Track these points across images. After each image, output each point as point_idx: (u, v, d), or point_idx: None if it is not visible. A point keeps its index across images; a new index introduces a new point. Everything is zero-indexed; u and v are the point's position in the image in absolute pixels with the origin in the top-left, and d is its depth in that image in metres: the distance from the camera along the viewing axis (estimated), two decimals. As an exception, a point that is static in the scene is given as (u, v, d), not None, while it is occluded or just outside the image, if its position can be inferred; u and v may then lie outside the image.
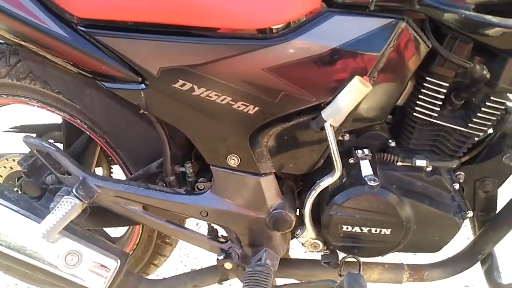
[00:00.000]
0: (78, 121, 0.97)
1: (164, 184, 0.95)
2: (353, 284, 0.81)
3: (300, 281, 0.95)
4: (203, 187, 0.91)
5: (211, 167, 0.88)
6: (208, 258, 1.54)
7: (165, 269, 1.48)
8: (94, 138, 1.00)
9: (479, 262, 0.97)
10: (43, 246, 0.85)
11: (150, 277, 1.33)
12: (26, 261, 0.86)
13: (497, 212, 0.95)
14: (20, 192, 1.04)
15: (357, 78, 0.70)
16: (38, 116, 1.16)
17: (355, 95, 0.72)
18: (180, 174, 0.94)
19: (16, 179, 1.10)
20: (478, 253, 0.94)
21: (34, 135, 1.05)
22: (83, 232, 0.90)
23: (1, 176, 1.12)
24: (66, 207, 0.82)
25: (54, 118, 1.07)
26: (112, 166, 1.24)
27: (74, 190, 0.85)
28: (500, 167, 0.91)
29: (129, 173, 1.03)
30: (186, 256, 1.55)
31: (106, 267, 0.88)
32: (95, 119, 0.94)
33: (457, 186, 0.88)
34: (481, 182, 0.93)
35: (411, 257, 1.46)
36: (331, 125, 0.75)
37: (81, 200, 0.85)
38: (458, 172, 0.92)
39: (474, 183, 0.94)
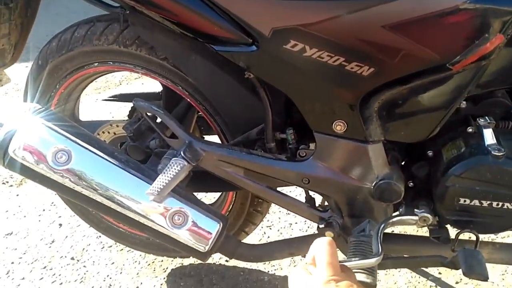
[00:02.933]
0: (180, 87, 0.99)
1: (263, 151, 0.95)
2: (470, 259, 0.75)
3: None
4: (305, 154, 0.89)
5: (314, 133, 0.86)
6: (290, 231, 1.54)
7: (249, 241, 1.50)
8: (194, 105, 1.01)
9: None
10: (152, 205, 0.88)
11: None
12: (136, 219, 0.89)
13: None
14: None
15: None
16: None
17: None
18: (280, 141, 0.93)
19: (119, 145, 1.15)
20: None
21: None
22: (188, 194, 0.92)
23: (105, 141, 1.18)
24: (176, 168, 0.85)
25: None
26: (203, 136, 1.26)
27: (182, 152, 0.87)
28: None
29: (226, 141, 1.03)
30: (269, 228, 1.56)
31: (209, 228, 0.90)
32: (198, 85, 0.95)
33: None
34: None
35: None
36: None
37: (188, 162, 0.86)
38: None
39: None
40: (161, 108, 0.89)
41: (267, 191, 0.93)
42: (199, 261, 1.30)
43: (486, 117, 0.79)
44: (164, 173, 0.84)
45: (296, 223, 1.56)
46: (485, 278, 0.60)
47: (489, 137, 0.76)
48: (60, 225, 1.63)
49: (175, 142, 0.90)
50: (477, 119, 0.79)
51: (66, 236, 1.58)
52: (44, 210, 1.71)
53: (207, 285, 1.35)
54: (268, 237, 1.53)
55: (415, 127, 0.80)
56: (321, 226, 0.91)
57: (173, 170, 0.84)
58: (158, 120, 0.98)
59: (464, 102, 0.82)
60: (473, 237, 0.75)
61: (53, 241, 1.56)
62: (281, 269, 1.39)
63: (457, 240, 0.75)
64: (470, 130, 0.81)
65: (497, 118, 0.81)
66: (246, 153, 0.90)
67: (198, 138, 0.91)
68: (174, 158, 0.86)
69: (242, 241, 1.21)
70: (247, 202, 1.14)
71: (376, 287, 0.76)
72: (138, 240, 1.34)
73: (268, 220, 1.59)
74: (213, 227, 0.90)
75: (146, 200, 0.88)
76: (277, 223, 1.57)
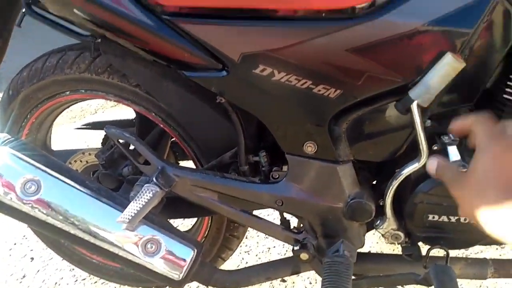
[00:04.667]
0: (153, 114, 1.00)
1: (237, 174, 0.95)
2: (441, 275, 0.77)
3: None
4: (277, 176, 0.90)
5: (286, 155, 0.87)
6: (269, 255, 1.53)
7: (227, 267, 1.48)
8: (167, 130, 1.01)
9: None
10: (124, 233, 0.87)
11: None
12: (108, 249, 0.88)
13: None
14: (97, 184, 1.07)
15: (450, 54, 0.67)
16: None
17: (447, 72, 0.68)
18: (253, 164, 0.94)
19: (92, 173, 1.14)
20: None
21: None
22: (162, 221, 0.91)
23: (77, 170, 1.16)
24: (148, 194, 0.84)
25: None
26: (178, 162, 1.26)
27: (154, 178, 0.86)
28: None
29: (201, 166, 1.03)
30: (247, 253, 1.55)
31: (183, 256, 0.89)
32: (171, 111, 0.96)
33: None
34: None
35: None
36: (418, 105, 0.72)
37: (161, 188, 0.86)
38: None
39: None
40: (133, 134, 0.89)
41: (241, 215, 0.93)
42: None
43: (450, 135, 0.82)
44: (136, 200, 0.84)
45: (274, 247, 1.55)
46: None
47: (453, 154, 0.79)
48: (32, 258, 1.58)
49: (147, 168, 0.90)
50: (441, 137, 0.82)
51: (38, 270, 1.52)
52: (15, 244, 1.65)
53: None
54: (246, 262, 1.51)
55: (382, 146, 0.83)
56: (296, 248, 0.91)
57: (145, 196, 0.84)
58: (132, 147, 0.98)
59: (429, 121, 0.85)
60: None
61: (24, 276, 1.50)
62: (261, 294, 1.37)
63: (428, 256, 0.76)
64: (435, 147, 0.83)
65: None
66: (220, 177, 0.91)
67: (171, 163, 0.91)
68: (146, 185, 0.86)
69: (218, 267, 1.20)
70: (222, 227, 1.13)
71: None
72: (113, 272, 1.30)
73: (246, 245, 1.58)
74: (187, 254, 0.89)
75: (117, 228, 0.86)
76: (255, 248, 1.56)
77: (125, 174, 1.01)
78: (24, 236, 1.66)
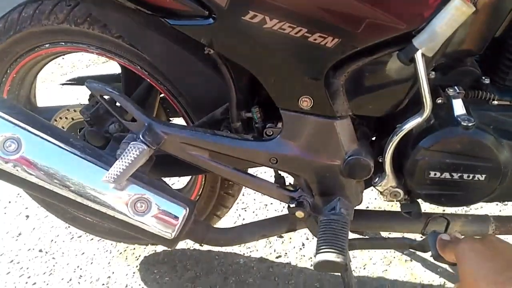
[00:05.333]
0: (138, 67, 0.93)
1: (229, 131, 0.90)
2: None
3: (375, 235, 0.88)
4: (271, 132, 0.85)
5: (280, 111, 0.82)
6: (266, 212, 1.52)
7: (223, 224, 1.48)
8: (155, 85, 0.96)
9: None
10: (112, 193, 0.83)
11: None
12: (96, 208, 0.85)
13: None
14: (84, 142, 1.03)
15: (459, -4, 0.60)
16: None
17: (455, 18, 0.62)
18: (246, 120, 0.89)
19: (78, 130, 1.09)
20: None
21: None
22: (151, 180, 0.87)
23: (63, 128, 1.12)
24: (134, 153, 0.80)
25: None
26: (170, 119, 1.21)
27: (141, 136, 0.82)
28: None
29: (191, 123, 0.99)
30: (244, 210, 1.53)
31: (175, 214, 0.86)
32: (156, 64, 0.90)
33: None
34: None
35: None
36: (423, 54, 0.66)
37: (148, 146, 0.81)
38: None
39: None
40: (116, 89, 0.84)
41: (234, 173, 0.89)
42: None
43: (456, 87, 0.77)
44: (121, 158, 0.79)
45: (271, 203, 1.54)
46: (453, 262, 0.58)
47: (458, 107, 0.74)
48: (27, 216, 1.57)
49: (133, 125, 0.85)
50: (446, 89, 0.76)
51: (34, 228, 1.51)
52: (10, 202, 1.64)
53: (181, 271, 1.32)
54: (243, 219, 1.50)
55: (383, 100, 0.77)
56: (292, 205, 0.88)
57: (131, 155, 0.79)
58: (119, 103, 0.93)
59: (433, 72, 0.79)
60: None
61: (20, 234, 1.50)
62: (257, 250, 1.37)
63: (427, 224, 0.73)
64: (440, 101, 0.78)
65: (466, 87, 0.78)
66: (210, 134, 0.86)
67: (159, 120, 0.86)
68: (132, 142, 0.81)
69: (213, 225, 1.18)
70: (217, 185, 1.10)
71: (347, 266, 0.74)
72: (107, 229, 1.29)
73: (243, 202, 1.57)
74: (179, 213, 0.86)
75: (105, 188, 0.83)
76: (252, 205, 1.55)
77: (112, 131, 0.97)
78: (18, 194, 1.64)
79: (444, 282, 1.19)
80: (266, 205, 1.54)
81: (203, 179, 1.11)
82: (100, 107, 0.97)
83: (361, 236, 0.91)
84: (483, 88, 0.77)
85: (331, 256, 0.74)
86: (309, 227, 0.92)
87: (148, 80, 0.95)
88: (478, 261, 0.49)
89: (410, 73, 0.73)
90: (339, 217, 0.82)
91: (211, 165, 0.89)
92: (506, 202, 1.38)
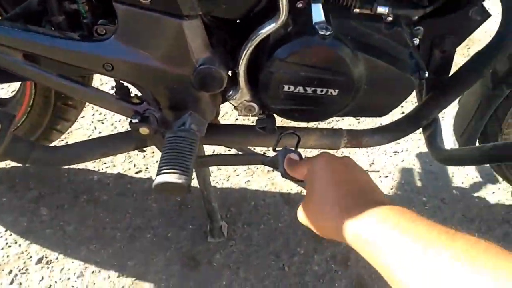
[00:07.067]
0: None
1: (52, 28, 0.71)
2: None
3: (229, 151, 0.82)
4: (104, 31, 0.69)
5: (114, 3, 0.65)
6: (126, 125, 1.37)
7: (77, 138, 1.30)
8: None
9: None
10: None
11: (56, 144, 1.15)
12: None
13: (449, 75, 0.86)
14: None
15: None
16: None
17: None
18: (72, 14, 0.70)
19: None
20: (424, 118, 0.87)
21: None
22: None
23: None
24: None
25: None
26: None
27: None
28: (464, 22, 0.78)
29: (5, 14, 0.76)
30: (101, 122, 1.37)
31: (-21, 133, 0.68)
32: None
33: (416, 41, 0.75)
34: (440, 39, 0.81)
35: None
36: None
37: None
38: (417, 27, 0.78)
39: (432, 40, 0.81)
40: None
41: (59, 81, 0.72)
42: (16, 165, 1.09)
43: (319, -11, 0.68)
44: None
45: (132, 114, 1.39)
46: (300, 180, 0.55)
47: (317, 13, 0.66)
48: None
49: None
50: (305, -8, 0.67)
51: None
52: None
53: (23, 191, 1.15)
54: (100, 132, 1.34)
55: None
56: (135, 121, 0.76)
57: None
58: None
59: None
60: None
61: None
62: (114, 166, 1.25)
63: (279, 141, 0.67)
64: (300, 5, 0.69)
65: (327, -9, 0.70)
66: (20, 29, 0.66)
67: None
68: None
69: (53, 141, 1.01)
70: (51, 94, 0.92)
71: (189, 187, 0.67)
72: None
73: (100, 113, 1.39)
74: (-15, 130, 0.69)
75: None
76: (111, 117, 1.38)
77: None
78: None
79: (301, 191, 1.23)
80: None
81: (33, 87, 0.91)
82: None
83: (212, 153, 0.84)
84: (345, -6, 0.70)
85: (172, 177, 0.66)
86: (157, 145, 0.82)
87: None
88: (327, 183, 0.47)
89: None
90: (186, 133, 0.73)
91: (28, 70, 0.70)
92: (358, 118, 1.44)
